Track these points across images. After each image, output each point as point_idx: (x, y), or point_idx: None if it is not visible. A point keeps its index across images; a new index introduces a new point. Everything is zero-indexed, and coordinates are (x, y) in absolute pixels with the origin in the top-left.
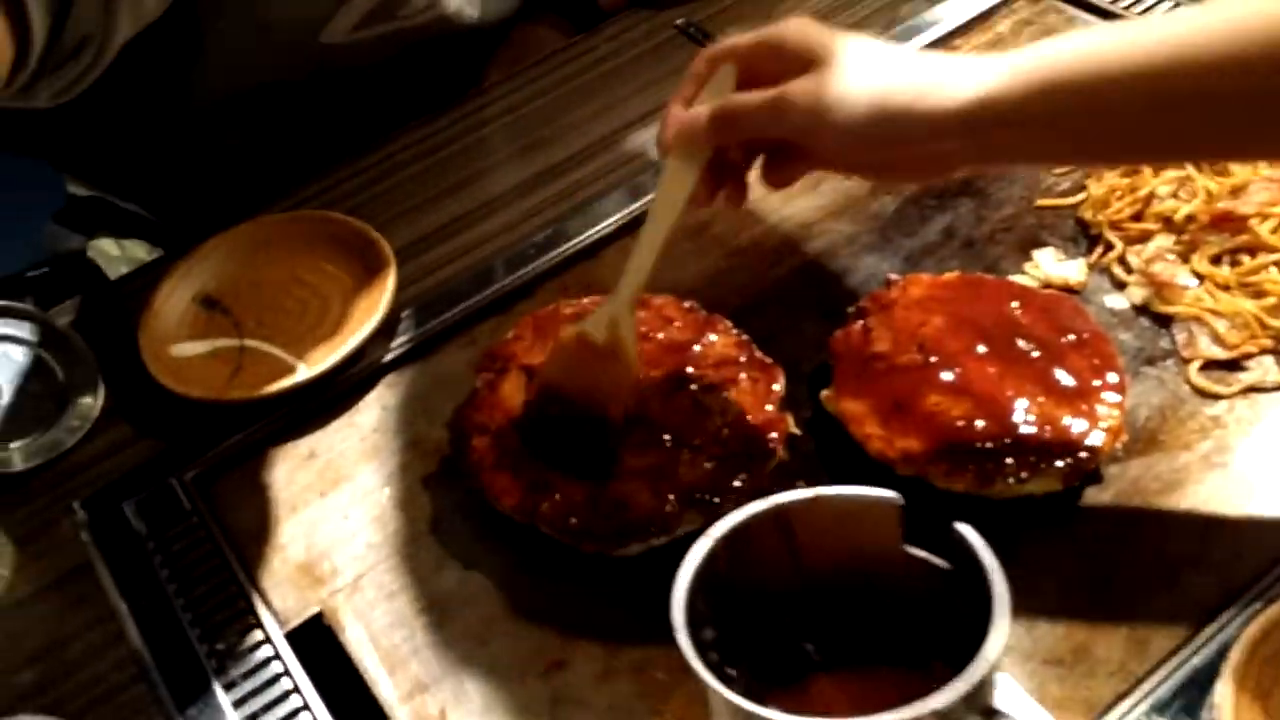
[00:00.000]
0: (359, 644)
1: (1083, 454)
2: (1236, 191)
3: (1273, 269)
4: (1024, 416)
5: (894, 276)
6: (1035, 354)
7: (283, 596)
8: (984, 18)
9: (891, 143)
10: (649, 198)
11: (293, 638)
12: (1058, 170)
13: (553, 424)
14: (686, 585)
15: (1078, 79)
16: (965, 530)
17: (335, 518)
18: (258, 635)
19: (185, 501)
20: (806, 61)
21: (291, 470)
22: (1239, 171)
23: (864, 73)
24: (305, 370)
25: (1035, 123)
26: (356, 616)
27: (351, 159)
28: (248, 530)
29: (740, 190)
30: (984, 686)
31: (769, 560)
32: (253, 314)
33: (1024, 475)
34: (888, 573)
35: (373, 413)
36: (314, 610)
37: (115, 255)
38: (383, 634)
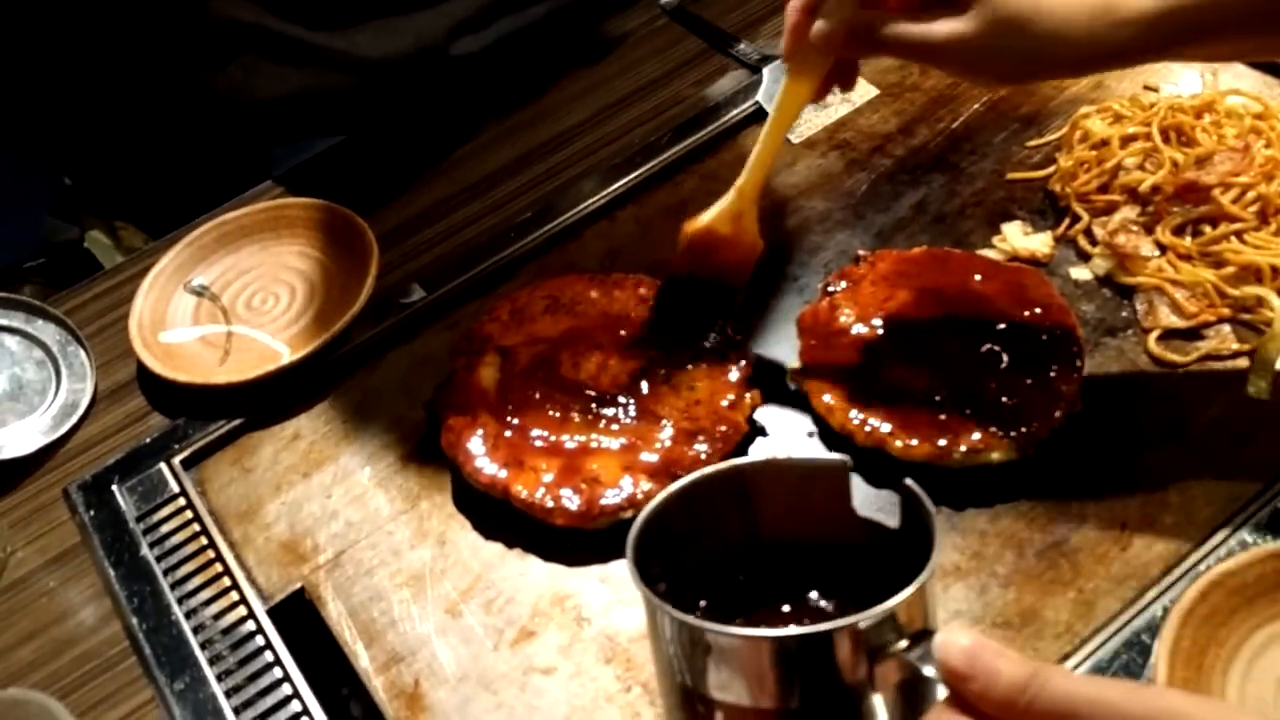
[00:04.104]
0: (338, 618)
1: (1039, 424)
2: (1202, 162)
3: (1233, 239)
4: (982, 387)
5: (863, 252)
6: (998, 326)
7: (266, 574)
8: None
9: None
10: (630, 177)
11: (275, 613)
12: (1029, 143)
13: (685, 296)
14: (639, 527)
15: None
16: (910, 482)
17: (318, 497)
18: (241, 611)
19: (174, 484)
20: None
21: (277, 452)
22: (1204, 141)
23: (1023, 21)
24: (290, 355)
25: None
26: (336, 592)
27: (337, 145)
28: (234, 511)
29: (851, 78)
30: (914, 609)
31: (725, 521)
32: (240, 300)
33: (981, 445)
34: (840, 536)
35: (355, 395)
36: (296, 586)
37: (109, 245)
38: (361, 608)
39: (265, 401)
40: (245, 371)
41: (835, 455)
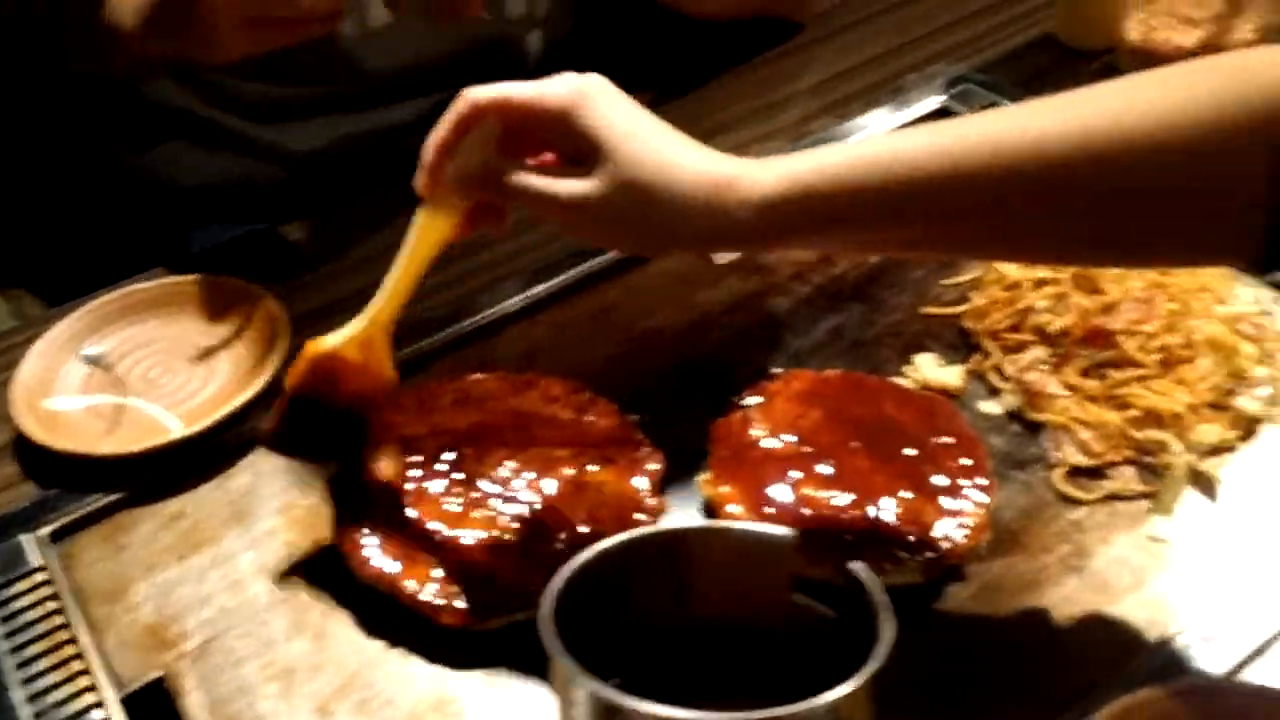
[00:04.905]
0: (198, 710)
1: (944, 549)
2: (1109, 309)
3: (1137, 384)
4: (889, 510)
5: (778, 370)
6: (908, 451)
7: (124, 659)
8: None
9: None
10: (555, 280)
11: (130, 702)
12: (945, 281)
13: (310, 418)
14: (560, 584)
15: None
16: (858, 567)
17: (193, 580)
18: (91, 698)
19: (35, 558)
20: (580, 148)
21: (155, 530)
22: (1111, 290)
23: (644, 193)
24: (179, 429)
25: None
26: (199, 682)
27: (261, 228)
28: (99, 590)
29: (500, 220)
30: (855, 709)
31: (654, 590)
32: (140, 373)
33: (885, 566)
34: (775, 618)
35: (245, 477)
36: (156, 674)
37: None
38: (224, 701)
39: (149, 478)
40: (130, 444)
41: (783, 529)
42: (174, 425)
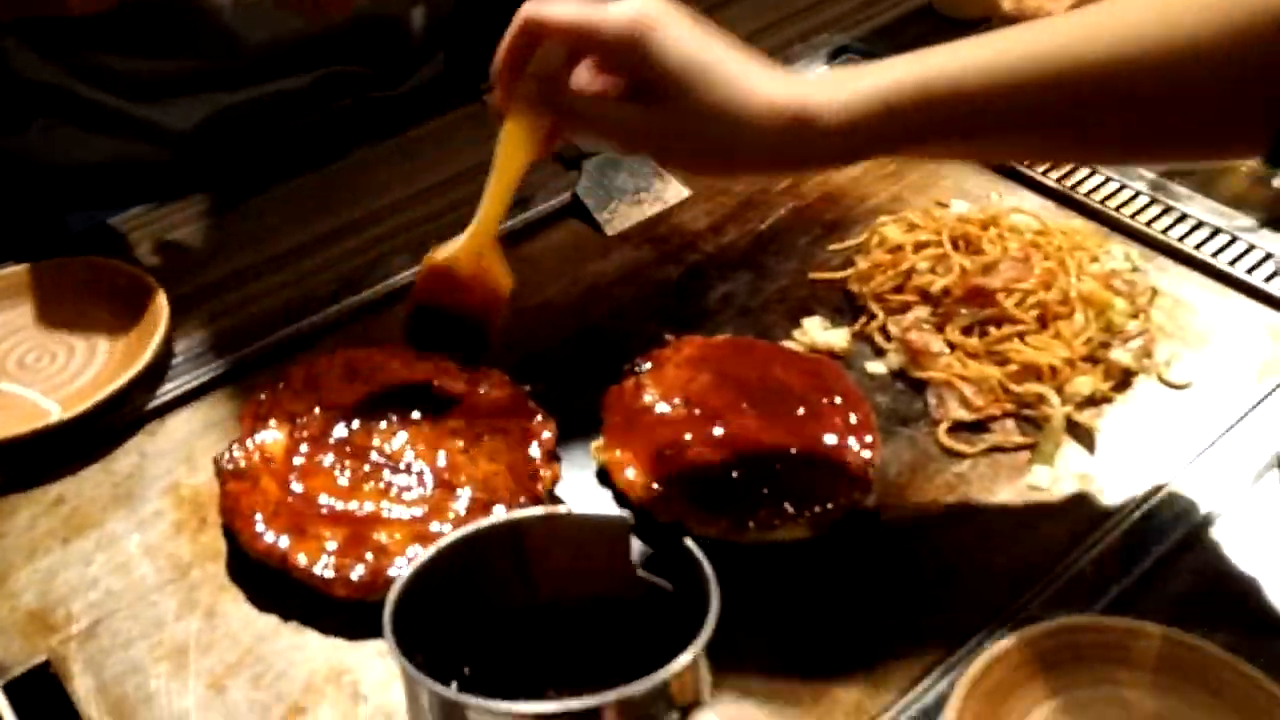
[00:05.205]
0: (86, 693)
1: (831, 504)
2: (988, 269)
3: (1016, 340)
4: (777, 467)
5: (669, 337)
6: (796, 411)
7: (6, 645)
8: None
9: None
10: None
11: (12, 689)
12: (831, 246)
13: (435, 327)
14: (401, 587)
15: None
16: (690, 544)
17: (77, 565)
18: None
19: None
20: (648, 79)
21: (34, 516)
22: (989, 250)
23: (719, 130)
24: (58, 413)
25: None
26: (87, 665)
27: (139, 211)
28: None
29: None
30: (686, 681)
31: (501, 581)
32: (16, 358)
33: (774, 523)
34: (619, 595)
35: (130, 459)
36: (41, 659)
37: None
38: (114, 682)
39: (26, 463)
40: (6, 429)
41: (616, 512)
42: (52, 409)
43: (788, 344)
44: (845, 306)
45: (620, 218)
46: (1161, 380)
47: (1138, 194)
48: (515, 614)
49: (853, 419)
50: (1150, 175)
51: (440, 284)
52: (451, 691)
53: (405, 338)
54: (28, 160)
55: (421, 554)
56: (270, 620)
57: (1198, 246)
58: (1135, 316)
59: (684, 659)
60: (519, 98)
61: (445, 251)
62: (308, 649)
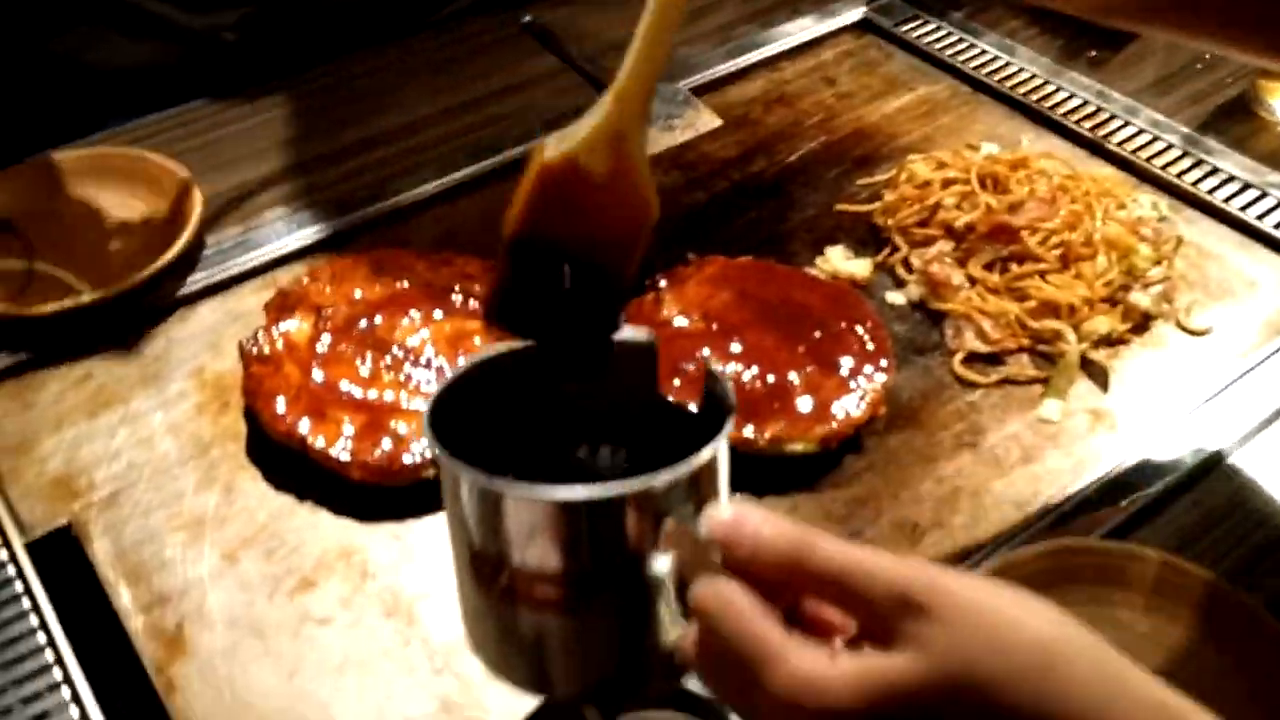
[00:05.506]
0: (104, 556)
1: (842, 421)
2: (1014, 208)
3: (1037, 277)
4: (790, 381)
5: (692, 256)
6: (813, 334)
7: (31, 508)
8: (811, 45)
9: None
10: (476, 166)
11: (36, 549)
12: (861, 181)
13: (536, 280)
14: (443, 389)
15: None
16: (709, 361)
17: (102, 437)
18: None
19: None
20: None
21: (62, 390)
22: (1016, 190)
23: None
24: (89, 293)
25: None
26: (106, 530)
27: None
28: (6, 444)
29: None
30: (703, 479)
31: (535, 396)
32: (49, 240)
33: (785, 434)
34: (643, 414)
35: (158, 343)
36: (62, 522)
37: None
38: (132, 549)
39: (58, 340)
40: (38, 306)
41: (641, 333)
42: (84, 290)
43: (810, 271)
44: (869, 239)
45: (651, 142)
46: (1180, 326)
47: (1170, 146)
48: (545, 432)
49: (869, 344)
50: (1184, 130)
51: (555, 199)
52: (491, 479)
53: (487, 315)
54: (73, 61)
55: (462, 362)
56: (286, 499)
57: (1227, 200)
58: (1159, 263)
59: (701, 457)
60: None
61: (566, 143)
62: (321, 528)
